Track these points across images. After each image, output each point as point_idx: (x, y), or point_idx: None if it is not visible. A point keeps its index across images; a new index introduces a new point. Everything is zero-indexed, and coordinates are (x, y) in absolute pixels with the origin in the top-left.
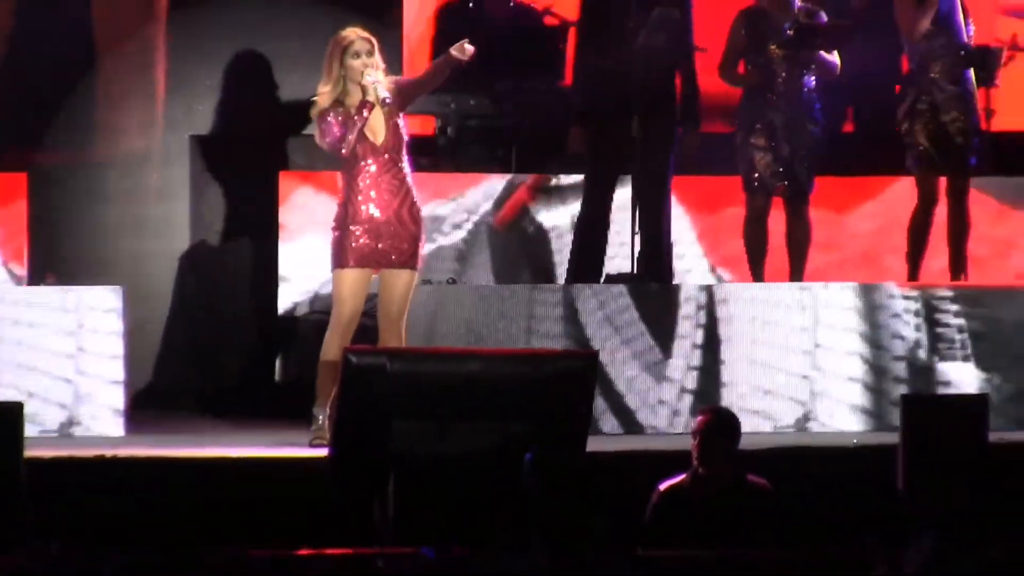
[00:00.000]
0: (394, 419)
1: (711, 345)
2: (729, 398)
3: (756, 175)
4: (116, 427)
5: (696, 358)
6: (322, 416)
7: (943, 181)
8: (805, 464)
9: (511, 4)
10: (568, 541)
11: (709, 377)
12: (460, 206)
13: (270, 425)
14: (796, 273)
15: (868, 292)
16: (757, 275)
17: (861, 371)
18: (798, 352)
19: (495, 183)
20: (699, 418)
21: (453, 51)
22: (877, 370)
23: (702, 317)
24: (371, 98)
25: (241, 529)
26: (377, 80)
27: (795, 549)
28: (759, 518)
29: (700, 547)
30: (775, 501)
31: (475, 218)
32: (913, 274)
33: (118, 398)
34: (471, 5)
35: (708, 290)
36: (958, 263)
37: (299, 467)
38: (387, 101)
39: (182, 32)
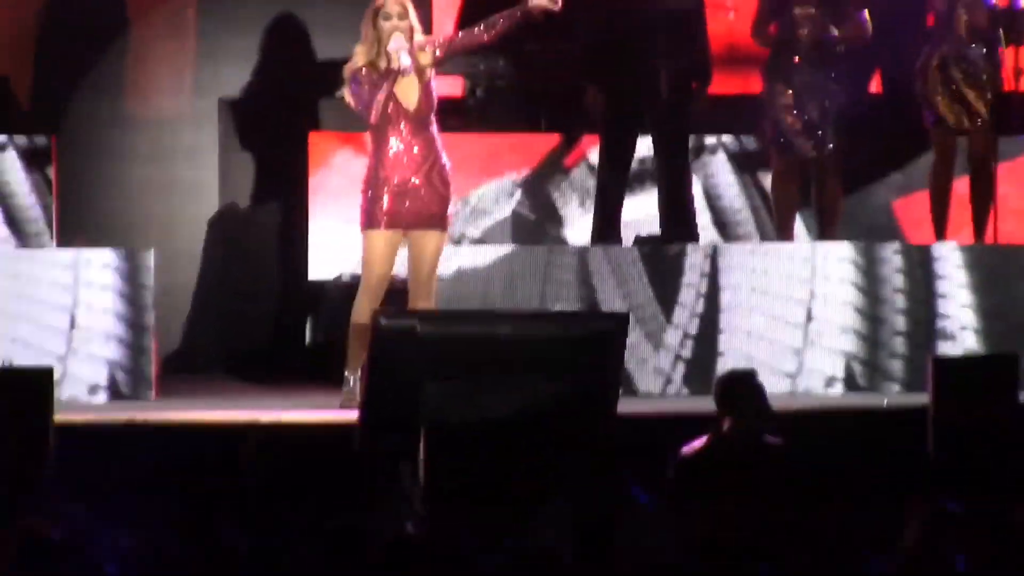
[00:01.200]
0: (425, 381)
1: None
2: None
3: (782, 134)
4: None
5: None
6: (353, 379)
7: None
8: (832, 426)
9: None
10: (598, 501)
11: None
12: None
13: (300, 389)
14: (828, 234)
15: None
16: (786, 234)
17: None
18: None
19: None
20: (722, 379)
21: (543, 0)
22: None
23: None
24: (395, 65)
25: (271, 492)
26: (400, 46)
27: (824, 508)
28: (778, 476)
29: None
30: (797, 460)
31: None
32: (940, 235)
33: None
34: None
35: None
36: (980, 227)
37: (330, 430)
38: (407, 71)
39: None
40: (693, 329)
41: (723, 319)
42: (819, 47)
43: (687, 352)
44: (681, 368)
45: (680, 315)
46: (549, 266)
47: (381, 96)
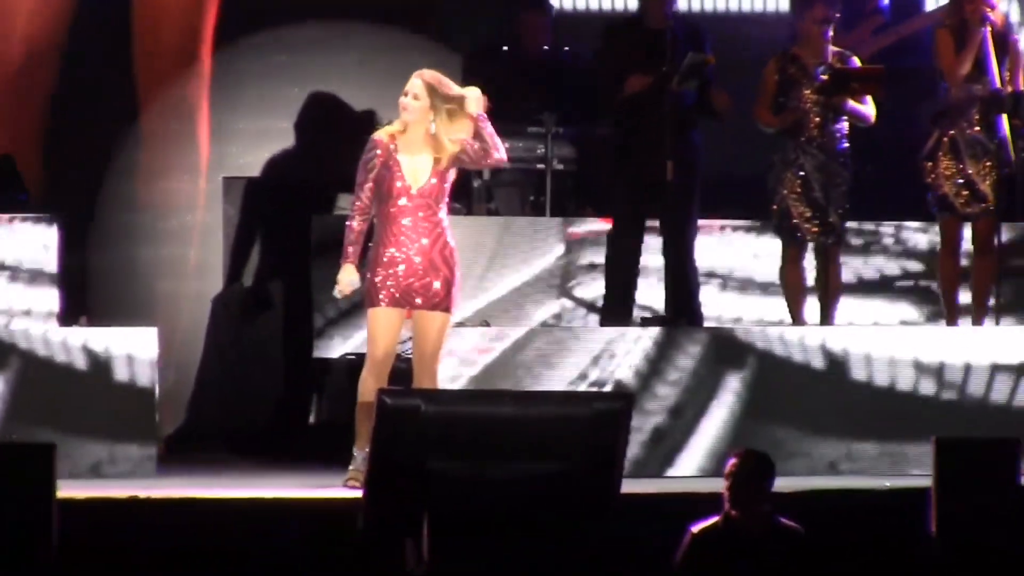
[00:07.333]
0: (428, 459)
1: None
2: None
3: (791, 220)
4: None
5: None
6: (361, 456)
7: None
8: (836, 508)
9: (544, 48)
10: None
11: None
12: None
13: (304, 466)
14: (827, 317)
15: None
16: (797, 318)
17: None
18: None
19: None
20: (732, 460)
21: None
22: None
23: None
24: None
25: (275, 571)
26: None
27: None
28: (791, 561)
29: None
30: (807, 544)
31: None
32: (950, 319)
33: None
34: (505, 49)
35: (723, 334)
36: (978, 310)
37: (333, 508)
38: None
39: (220, 75)
40: (706, 408)
41: (736, 400)
42: (827, 131)
43: (695, 431)
44: (688, 444)
45: (690, 394)
46: (554, 343)
47: (361, 212)
